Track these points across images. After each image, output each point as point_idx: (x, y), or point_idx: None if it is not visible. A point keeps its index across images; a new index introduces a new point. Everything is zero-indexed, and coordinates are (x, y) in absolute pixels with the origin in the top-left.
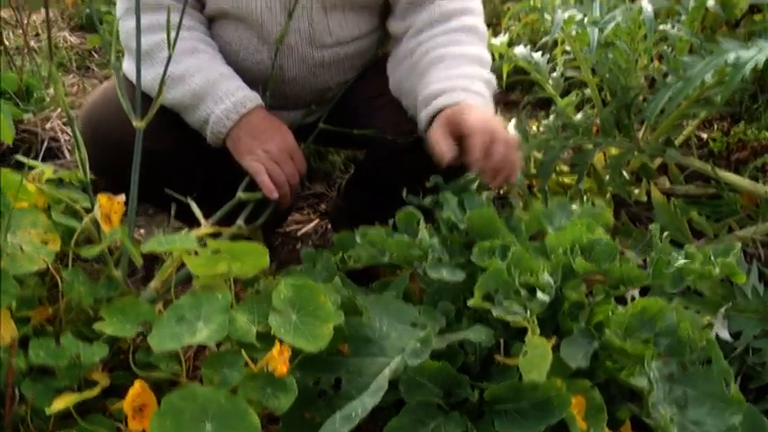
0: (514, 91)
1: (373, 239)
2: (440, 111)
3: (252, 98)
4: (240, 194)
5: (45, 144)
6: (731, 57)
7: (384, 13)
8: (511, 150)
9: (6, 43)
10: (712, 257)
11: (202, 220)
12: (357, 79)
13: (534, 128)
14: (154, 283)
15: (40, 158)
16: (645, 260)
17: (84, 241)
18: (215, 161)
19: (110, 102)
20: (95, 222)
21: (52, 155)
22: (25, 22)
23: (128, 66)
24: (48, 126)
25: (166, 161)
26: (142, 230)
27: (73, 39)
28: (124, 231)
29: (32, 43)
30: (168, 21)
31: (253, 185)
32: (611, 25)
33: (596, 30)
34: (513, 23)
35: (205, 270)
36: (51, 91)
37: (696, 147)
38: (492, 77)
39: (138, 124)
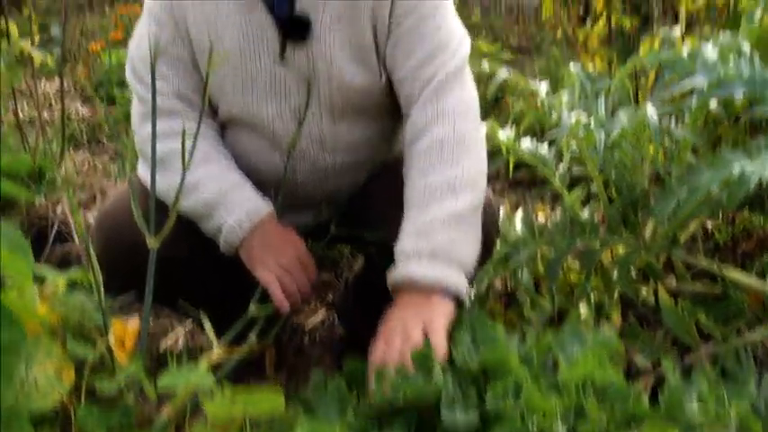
0: (520, 170)
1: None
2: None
3: (264, 207)
4: (252, 309)
5: (55, 227)
6: (736, 169)
7: (395, 116)
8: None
9: (21, 115)
10: (726, 402)
11: (215, 341)
12: (368, 180)
13: (540, 215)
14: (167, 411)
15: (50, 242)
16: (653, 364)
17: (97, 362)
18: (229, 269)
19: (123, 208)
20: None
21: (62, 238)
22: (40, 92)
23: (142, 170)
24: (58, 210)
25: (181, 268)
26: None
27: (84, 110)
28: (138, 366)
29: (45, 114)
30: (184, 130)
31: (265, 295)
32: (618, 130)
33: (603, 133)
34: (517, 100)
35: (221, 412)
36: (63, 171)
37: (702, 239)
38: (470, 195)
39: (153, 243)
